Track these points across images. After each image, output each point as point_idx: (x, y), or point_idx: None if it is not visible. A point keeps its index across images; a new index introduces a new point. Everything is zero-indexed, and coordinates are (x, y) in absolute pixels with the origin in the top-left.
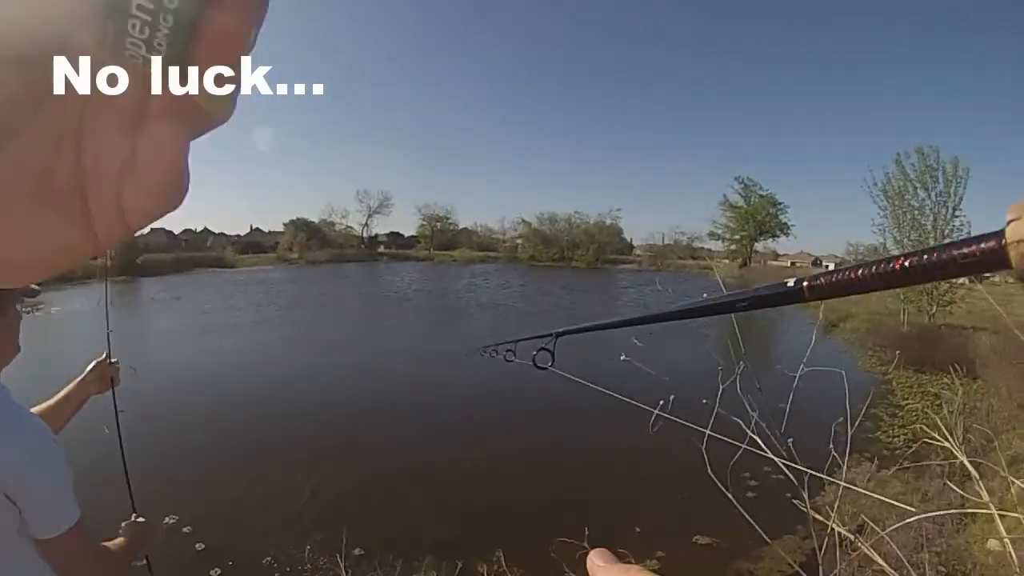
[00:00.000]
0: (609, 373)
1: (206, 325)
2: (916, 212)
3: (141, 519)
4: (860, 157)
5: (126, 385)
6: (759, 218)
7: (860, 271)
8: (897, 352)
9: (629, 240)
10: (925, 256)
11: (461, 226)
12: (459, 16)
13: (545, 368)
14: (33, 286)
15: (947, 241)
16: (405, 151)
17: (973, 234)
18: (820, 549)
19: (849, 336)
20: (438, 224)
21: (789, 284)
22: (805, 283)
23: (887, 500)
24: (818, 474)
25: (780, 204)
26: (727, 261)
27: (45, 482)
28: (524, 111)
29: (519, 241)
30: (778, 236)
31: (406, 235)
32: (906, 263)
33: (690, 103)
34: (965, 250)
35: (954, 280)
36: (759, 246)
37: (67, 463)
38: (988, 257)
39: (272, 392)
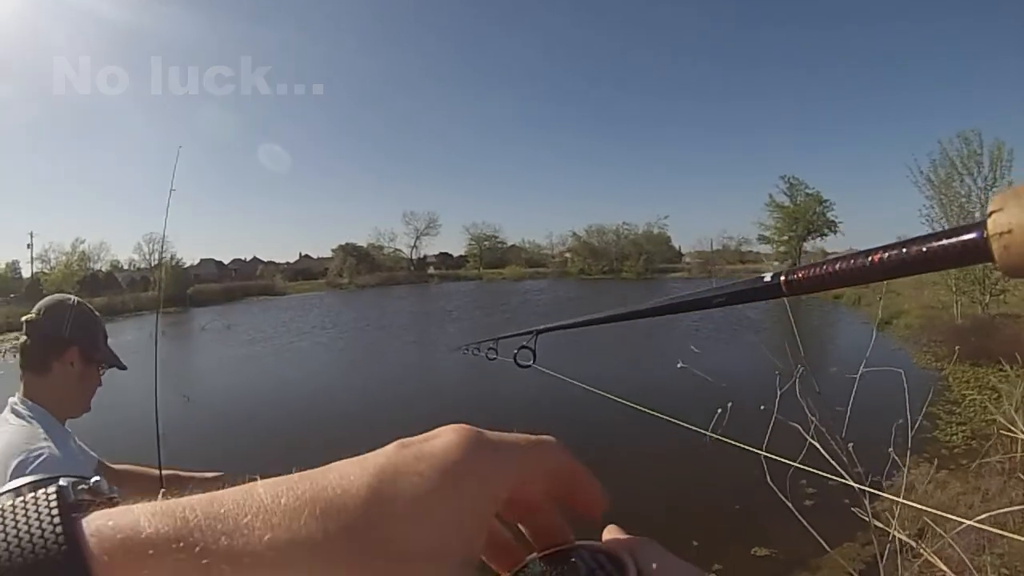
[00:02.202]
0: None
1: (257, 353)
2: (964, 200)
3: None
4: (904, 146)
5: (180, 414)
6: (807, 217)
7: (838, 265)
8: (956, 348)
9: (678, 248)
10: (904, 249)
11: (509, 243)
12: (498, 26)
13: (528, 366)
14: (123, 361)
15: (928, 233)
16: (449, 170)
17: None
18: (882, 557)
19: (903, 333)
20: (486, 243)
21: (766, 279)
22: (782, 278)
23: (941, 514)
24: (874, 490)
25: (827, 201)
26: (777, 263)
27: None
28: (566, 120)
29: (568, 255)
30: (827, 235)
31: (455, 255)
32: (884, 256)
33: (729, 102)
34: (945, 243)
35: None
36: (808, 246)
37: None
38: (969, 250)
39: (326, 418)
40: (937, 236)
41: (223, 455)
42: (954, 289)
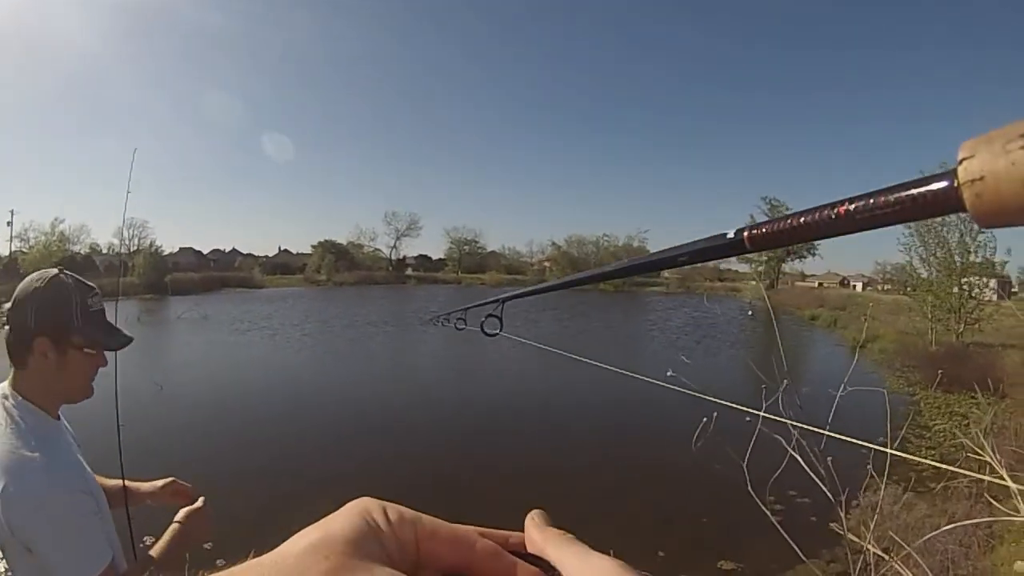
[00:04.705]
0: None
1: (233, 344)
2: (941, 227)
3: (199, 503)
4: (885, 171)
5: (153, 401)
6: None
7: (803, 218)
8: (931, 374)
9: None
10: (872, 199)
11: (489, 249)
12: (487, 31)
13: (495, 334)
14: (122, 337)
15: (896, 183)
16: (433, 172)
17: (998, 248)
18: (855, 571)
19: (877, 357)
20: (466, 247)
21: (730, 235)
22: (746, 233)
23: (957, 471)
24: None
25: None
26: (755, 283)
27: (55, 535)
28: (553, 131)
29: (547, 264)
30: (805, 257)
31: (434, 258)
32: (851, 207)
33: (714, 120)
34: (915, 192)
35: (980, 295)
36: (786, 267)
37: (90, 511)
38: (940, 198)
39: (297, 409)
40: (906, 186)
41: (190, 445)
42: (930, 316)
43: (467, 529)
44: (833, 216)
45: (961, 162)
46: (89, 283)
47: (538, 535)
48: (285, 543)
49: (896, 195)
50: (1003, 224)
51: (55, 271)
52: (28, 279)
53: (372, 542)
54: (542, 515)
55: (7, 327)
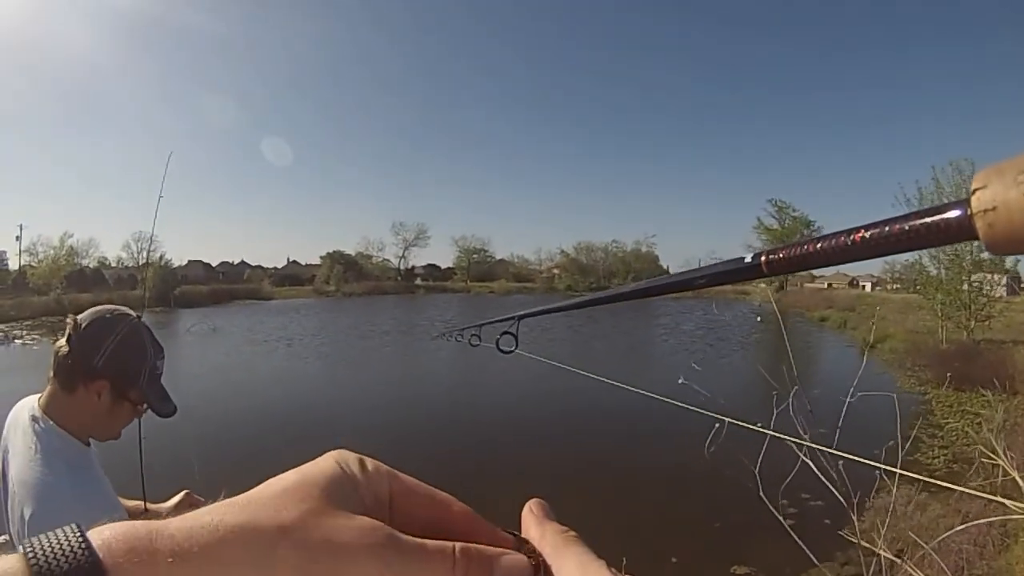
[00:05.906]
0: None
1: (244, 357)
2: None
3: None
4: (895, 177)
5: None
6: (794, 240)
7: (819, 244)
8: (942, 373)
9: (666, 267)
10: (887, 227)
11: (498, 257)
12: (487, 32)
13: (510, 351)
14: (170, 407)
15: (910, 211)
16: (440, 181)
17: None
18: (868, 574)
19: (888, 357)
20: (475, 256)
21: (747, 260)
22: (763, 258)
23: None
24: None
25: (813, 223)
26: (763, 286)
27: None
28: (560, 137)
29: (556, 271)
30: None
31: (442, 267)
32: (867, 234)
33: (716, 122)
34: (928, 220)
35: (990, 292)
36: None
37: None
38: (953, 227)
39: (317, 417)
40: (920, 214)
41: (203, 462)
42: (940, 314)
43: (446, 495)
44: (849, 243)
45: (974, 192)
46: (160, 344)
47: (536, 530)
48: (260, 485)
49: (910, 223)
50: (1014, 252)
51: (136, 317)
52: (110, 315)
53: (349, 490)
54: (541, 505)
55: (66, 346)
